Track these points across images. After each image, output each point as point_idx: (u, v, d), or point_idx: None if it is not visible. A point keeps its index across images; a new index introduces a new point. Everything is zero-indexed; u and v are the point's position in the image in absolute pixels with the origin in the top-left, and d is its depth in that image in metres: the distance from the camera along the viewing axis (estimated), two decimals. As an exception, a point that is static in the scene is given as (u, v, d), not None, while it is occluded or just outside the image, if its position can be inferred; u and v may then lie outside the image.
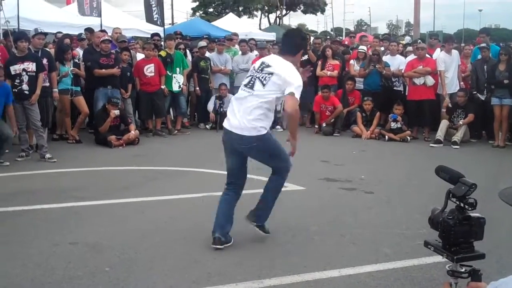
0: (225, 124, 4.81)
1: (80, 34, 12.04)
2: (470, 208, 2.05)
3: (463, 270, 2.07)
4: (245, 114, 4.62)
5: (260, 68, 4.74)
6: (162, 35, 14.39)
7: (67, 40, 10.79)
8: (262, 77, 4.66)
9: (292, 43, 4.89)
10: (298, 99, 4.55)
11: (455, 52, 11.26)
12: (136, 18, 19.95)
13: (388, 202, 6.46)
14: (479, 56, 10.87)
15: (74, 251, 4.69)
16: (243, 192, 4.94)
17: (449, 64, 10.95)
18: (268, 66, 4.71)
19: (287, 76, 4.58)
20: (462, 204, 2.05)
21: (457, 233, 2.03)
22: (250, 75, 4.79)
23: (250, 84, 4.71)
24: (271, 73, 4.63)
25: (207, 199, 6.42)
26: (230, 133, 4.71)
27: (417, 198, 6.54)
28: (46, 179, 7.58)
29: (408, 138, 10.81)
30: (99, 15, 14.20)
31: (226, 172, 4.96)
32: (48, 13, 14.18)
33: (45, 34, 9.94)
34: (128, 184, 7.22)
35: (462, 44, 15.53)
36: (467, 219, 2.04)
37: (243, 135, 4.62)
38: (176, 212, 5.95)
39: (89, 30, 12.25)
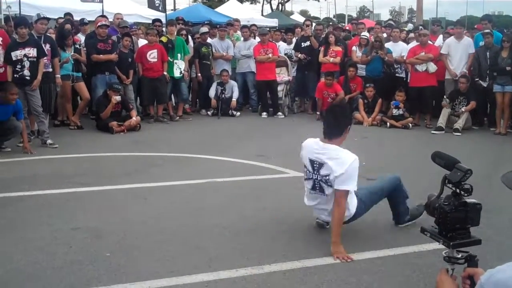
0: None
1: (82, 19, 12.00)
2: (466, 194, 2.05)
3: (459, 256, 2.08)
4: None
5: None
6: (163, 21, 14.34)
7: (68, 26, 10.75)
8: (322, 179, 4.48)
9: (337, 124, 4.70)
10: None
11: (467, 40, 11.03)
12: (138, 3, 19.85)
13: (388, 189, 6.44)
14: (481, 43, 10.80)
15: (75, 237, 4.72)
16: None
17: (454, 50, 10.82)
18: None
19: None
20: (458, 190, 2.06)
21: (453, 219, 2.04)
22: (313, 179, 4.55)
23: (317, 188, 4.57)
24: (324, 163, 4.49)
25: (209, 185, 6.45)
26: None
27: (418, 184, 6.53)
28: (47, 165, 7.59)
29: (410, 125, 10.80)
30: (101, 1, 14.13)
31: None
32: (49, -2, 14.11)
33: (48, 19, 9.89)
34: (130, 170, 7.23)
35: (464, 31, 15.40)
36: (463, 205, 2.05)
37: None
38: (177, 198, 5.97)
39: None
